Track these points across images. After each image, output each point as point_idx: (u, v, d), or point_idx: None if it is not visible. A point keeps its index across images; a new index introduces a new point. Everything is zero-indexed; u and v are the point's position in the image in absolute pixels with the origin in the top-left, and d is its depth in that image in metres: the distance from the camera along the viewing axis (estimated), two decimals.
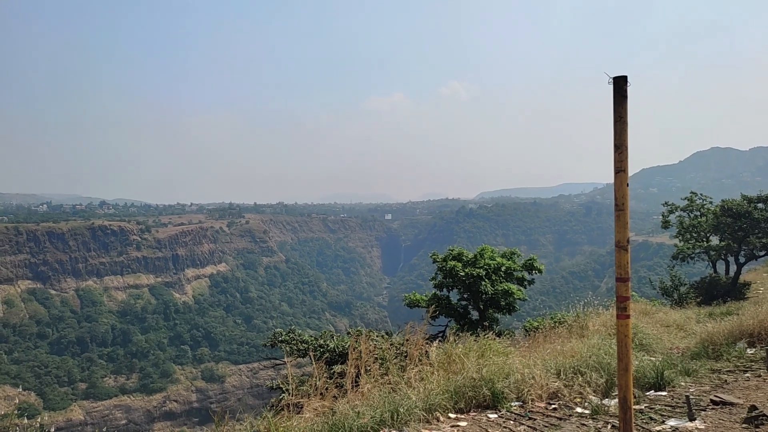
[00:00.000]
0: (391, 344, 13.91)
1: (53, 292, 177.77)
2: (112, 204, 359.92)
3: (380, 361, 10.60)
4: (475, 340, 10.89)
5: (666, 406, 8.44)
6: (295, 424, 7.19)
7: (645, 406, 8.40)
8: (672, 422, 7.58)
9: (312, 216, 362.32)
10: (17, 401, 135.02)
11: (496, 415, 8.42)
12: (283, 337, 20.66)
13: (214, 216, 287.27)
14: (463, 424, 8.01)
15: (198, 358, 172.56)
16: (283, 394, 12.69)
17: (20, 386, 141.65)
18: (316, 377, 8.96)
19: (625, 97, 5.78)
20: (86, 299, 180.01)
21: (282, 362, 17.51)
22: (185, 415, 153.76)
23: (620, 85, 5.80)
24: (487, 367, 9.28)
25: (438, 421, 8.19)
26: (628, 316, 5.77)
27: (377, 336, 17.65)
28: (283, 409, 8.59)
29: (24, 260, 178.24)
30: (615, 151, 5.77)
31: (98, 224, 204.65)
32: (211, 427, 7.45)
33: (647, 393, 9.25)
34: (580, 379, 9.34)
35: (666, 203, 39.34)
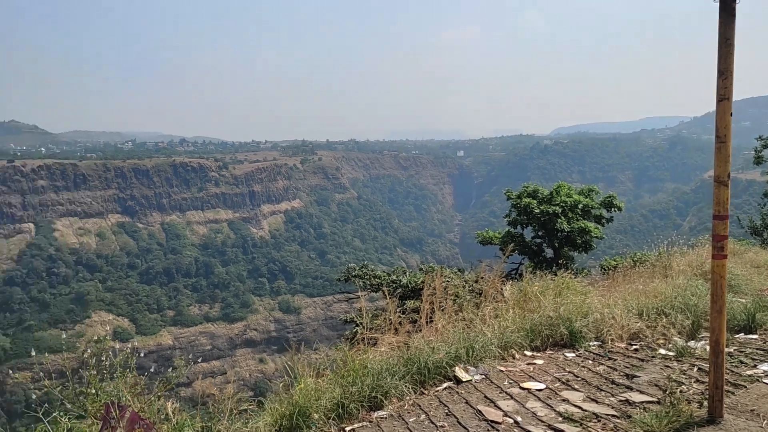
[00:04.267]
0: (464, 281, 13.85)
1: (140, 225, 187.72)
2: (191, 141, 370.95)
3: (454, 297, 10.54)
4: (552, 279, 10.62)
5: (757, 349, 8.01)
6: (370, 357, 7.27)
7: (734, 349, 8.00)
8: (764, 367, 7.18)
9: (383, 153, 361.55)
10: (111, 327, 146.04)
11: (573, 354, 8.24)
12: (356, 272, 21.04)
13: (287, 153, 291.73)
14: (539, 362, 7.90)
15: (275, 290, 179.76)
16: (357, 327, 12.94)
17: (114, 312, 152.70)
18: (389, 312, 8.96)
19: (734, 16, 5.19)
20: (171, 233, 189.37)
21: (355, 296, 17.84)
22: (264, 343, 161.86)
23: (728, 2, 5.21)
24: (564, 305, 9.04)
25: (513, 358, 8.11)
26: (725, 256, 5.39)
27: (450, 273, 17.63)
28: (358, 342, 8.69)
29: (113, 195, 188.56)
30: (719, 77, 5.25)
31: (179, 161, 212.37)
32: (288, 355, 7.62)
33: (737, 336, 8.80)
34: (663, 320, 8.97)
35: (760, 137, 36.67)
